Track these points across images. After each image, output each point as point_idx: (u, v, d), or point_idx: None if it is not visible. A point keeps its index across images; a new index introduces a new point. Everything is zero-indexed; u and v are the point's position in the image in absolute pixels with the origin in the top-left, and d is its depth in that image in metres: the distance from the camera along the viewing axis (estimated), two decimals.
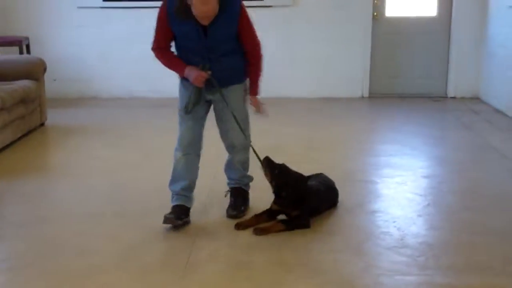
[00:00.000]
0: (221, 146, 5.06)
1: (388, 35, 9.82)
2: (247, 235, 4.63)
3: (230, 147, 4.98)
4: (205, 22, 4.38)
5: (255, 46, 4.77)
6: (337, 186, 5.26)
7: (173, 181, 4.87)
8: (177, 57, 4.69)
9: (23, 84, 7.48)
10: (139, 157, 6.69)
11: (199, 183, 5.23)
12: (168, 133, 7.56)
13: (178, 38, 4.62)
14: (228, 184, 5.17)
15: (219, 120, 4.90)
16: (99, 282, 3.96)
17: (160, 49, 4.70)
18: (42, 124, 8.06)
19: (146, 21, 9.40)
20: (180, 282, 3.94)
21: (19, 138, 7.34)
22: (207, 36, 4.48)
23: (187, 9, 4.32)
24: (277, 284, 3.89)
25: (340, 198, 5.32)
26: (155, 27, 4.62)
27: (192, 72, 4.56)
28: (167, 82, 9.41)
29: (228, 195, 5.13)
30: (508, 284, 3.94)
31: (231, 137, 4.89)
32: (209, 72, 4.56)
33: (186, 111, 4.76)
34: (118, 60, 9.74)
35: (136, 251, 4.40)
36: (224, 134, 4.95)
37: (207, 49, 4.55)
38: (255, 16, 9.34)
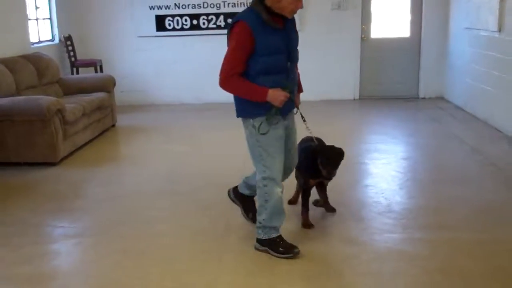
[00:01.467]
0: None
1: (373, 52, 9.74)
2: None
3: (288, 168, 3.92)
4: (294, 12, 3.54)
5: None
6: (340, 167, 5.21)
7: (275, 216, 3.74)
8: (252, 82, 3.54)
9: (99, 95, 7.52)
10: (188, 149, 6.71)
11: (231, 164, 5.22)
12: (209, 130, 7.66)
13: (262, 56, 3.50)
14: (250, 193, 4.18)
15: (288, 141, 3.83)
16: (162, 243, 4.02)
17: (235, 75, 3.51)
18: (113, 125, 8.09)
19: (188, 45, 9.61)
20: (222, 241, 3.99)
21: (97, 136, 7.39)
22: (289, 39, 3.63)
23: (273, 15, 3.51)
24: (298, 243, 3.85)
25: (341, 175, 5.31)
26: (229, 53, 3.51)
27: (276, 93, 3.51)
28: (207, 91, 9.55)
29: None
30: (469, 238, 3.95)
31: (293, 158, 3.95)
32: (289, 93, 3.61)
33: (260, 131, 3.60)
34: (168, 75, 9.75)
35: (189, 220, 4.45)
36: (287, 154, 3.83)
37: (288, 57, 3.63)
38: None
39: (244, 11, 3.60)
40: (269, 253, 3.76)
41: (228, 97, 3.83)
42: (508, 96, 6.83)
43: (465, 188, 5.02)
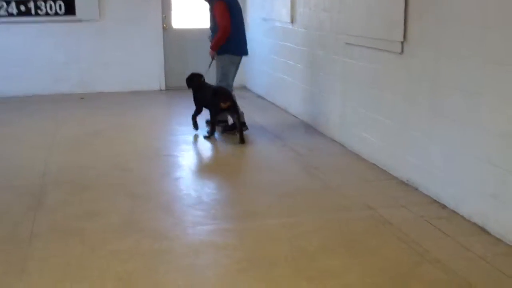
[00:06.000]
0: None
1: (176, 41, 9.78)
2: (77, 207, 4.46)
3: None
4: None
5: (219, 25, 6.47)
6: (149, 161, 5.19)
7: None
8: None
9: None
10: None
11: (28, 163, 5.03)
12: None
13: None
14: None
15: None
16: None
17: None
18: None
19: None
20: (24, 249, 3.72)
21: None
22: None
23: None
24: (107, 244, 3.79)
25: (151, 168, 5.34)
26: None
27: None
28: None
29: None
30: (274, 223, 4.16)
31: None
32: None
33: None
34: None
35: None
36: None
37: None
38: (69, 29, 9.06)
39: None
40: None
41: None
42: (302, 84, 7.32)
43: (269, 175, 5.28)
